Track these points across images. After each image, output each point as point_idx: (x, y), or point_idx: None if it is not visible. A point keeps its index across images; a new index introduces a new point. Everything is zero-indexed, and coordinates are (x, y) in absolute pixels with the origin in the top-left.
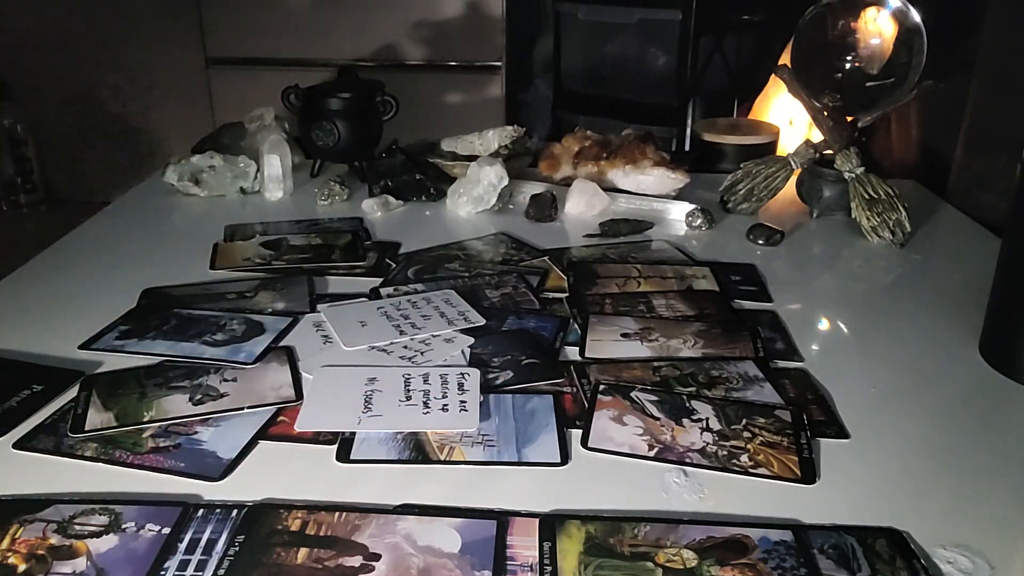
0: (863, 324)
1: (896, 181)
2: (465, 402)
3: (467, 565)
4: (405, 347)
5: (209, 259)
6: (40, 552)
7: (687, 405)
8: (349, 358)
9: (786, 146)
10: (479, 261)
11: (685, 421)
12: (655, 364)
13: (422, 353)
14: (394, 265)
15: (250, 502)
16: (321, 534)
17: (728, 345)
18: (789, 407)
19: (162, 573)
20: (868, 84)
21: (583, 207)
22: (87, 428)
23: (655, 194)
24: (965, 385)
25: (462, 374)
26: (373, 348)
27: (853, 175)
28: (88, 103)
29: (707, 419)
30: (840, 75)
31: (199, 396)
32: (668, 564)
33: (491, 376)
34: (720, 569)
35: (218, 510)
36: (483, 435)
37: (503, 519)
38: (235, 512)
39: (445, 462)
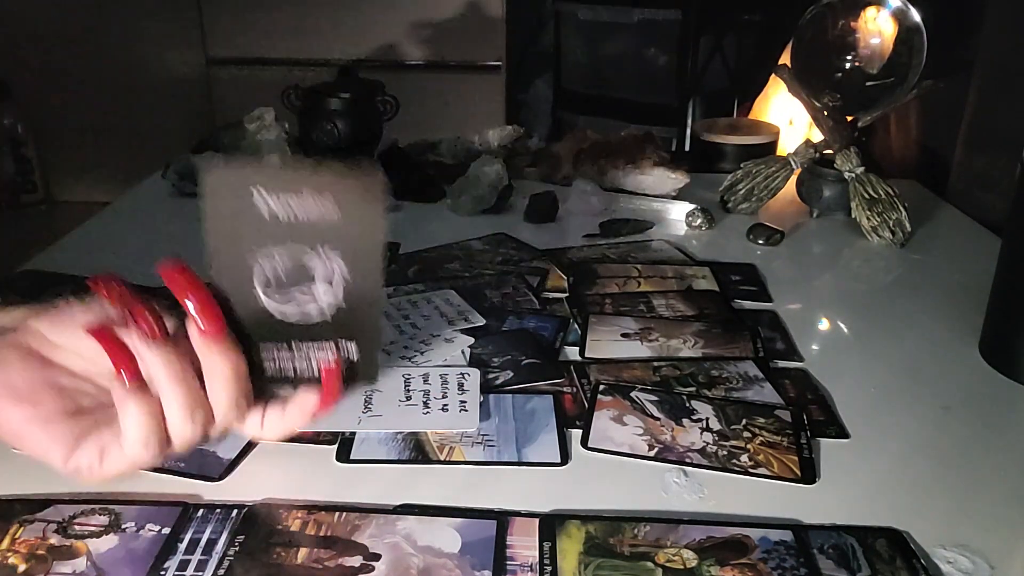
0: (863, 324)
1: (896, 181)
2: (465, 402)
3: (467, 565)
4: (405, 347)
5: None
6: (40, 552)
7: (687, 405)
8: None
9: (786, 146)
10: (479, 261)
11: (685, 421)
12: (655, 364)
13: (422, 353)
14: (394, 265)
15: (250, 502)
16: (321, 534)
17: (728, 345)
18: (789, 407)
19: (162, 573)
20: (868, 84)
21: (583, 207)
22: None
23: (655, 194)
24: (965, 385)
25: (462, 374)
26: None
27: (853, 175)
28: (88, 103)
29: (707, 419)
30: (840, 75)
31: None
32: (668, 564)
33: (491, 376)
34: (720, 569)
35: (218, 510)
36: (483, 435)
37: (503, 519)
38: (235, 512)
39: (445, 462)
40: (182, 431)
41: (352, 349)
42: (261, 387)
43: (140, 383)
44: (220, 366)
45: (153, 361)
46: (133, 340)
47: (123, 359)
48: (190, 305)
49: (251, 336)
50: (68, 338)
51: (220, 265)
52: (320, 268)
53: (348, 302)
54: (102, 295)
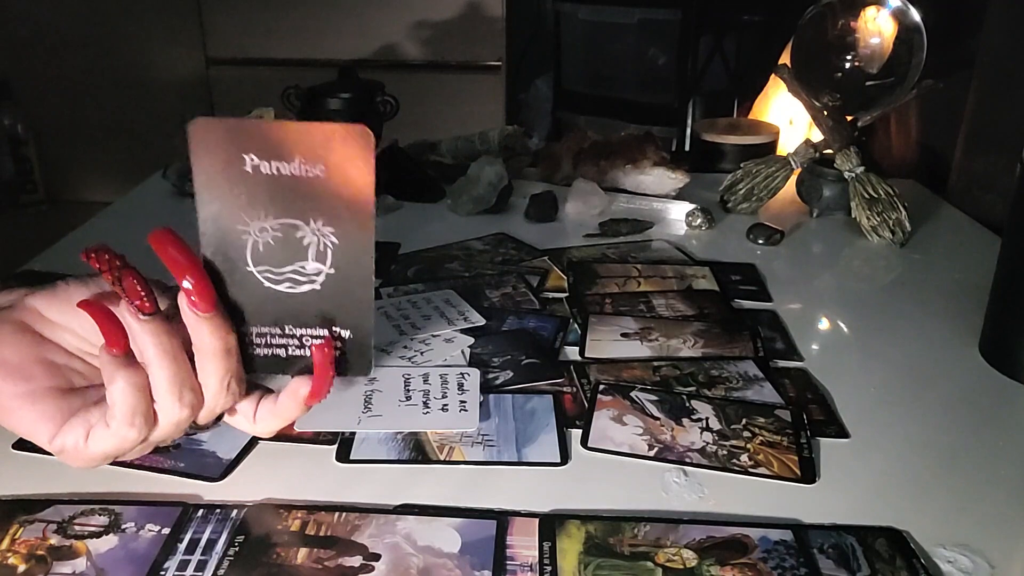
0: (863, 324)
1: (896, 181)
2: (465, 402)
3: (467, 565)
4: (405, 347)
5: None
6: (40, 552)
7: (687, 405)
8: None
9: (786, 146)
10: (479, 261)
11: (685, 421)
12: (655, 364)
13: (422, 353)
14: (394, 265)
15: (250, 502)
16: (321, 534)
17: (728, 345)
18: (789, 407)
19: (162, 573)
20: (868, 84)
21: (583, 207)
22: None
23: (655, 194)
24: (965, 385)
25: (462, 374)
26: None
27: (853, 175)
28: (88, 103)
29: (707, 419)
30: (840, 75)
31: None
32: (668, 564)
33: (491, 376)
34: (720, 569)
35: (218, 510)
36: (483, 435)
37: (503, 519)
38: (235, 512)
39: (445, 462)
40: (169, 410)
41: (344, 335)
42: (250, 367)
43: (128, 355)
44: (210, 341)
45: (142, 335)
46: (123, 313)
47: (112, 330)
48: (182, 278)
49: (244, 317)
50: (64, 315)
51: (212, 236)
52: (312, 245)
53: (339, 279)
54: (93, 265)
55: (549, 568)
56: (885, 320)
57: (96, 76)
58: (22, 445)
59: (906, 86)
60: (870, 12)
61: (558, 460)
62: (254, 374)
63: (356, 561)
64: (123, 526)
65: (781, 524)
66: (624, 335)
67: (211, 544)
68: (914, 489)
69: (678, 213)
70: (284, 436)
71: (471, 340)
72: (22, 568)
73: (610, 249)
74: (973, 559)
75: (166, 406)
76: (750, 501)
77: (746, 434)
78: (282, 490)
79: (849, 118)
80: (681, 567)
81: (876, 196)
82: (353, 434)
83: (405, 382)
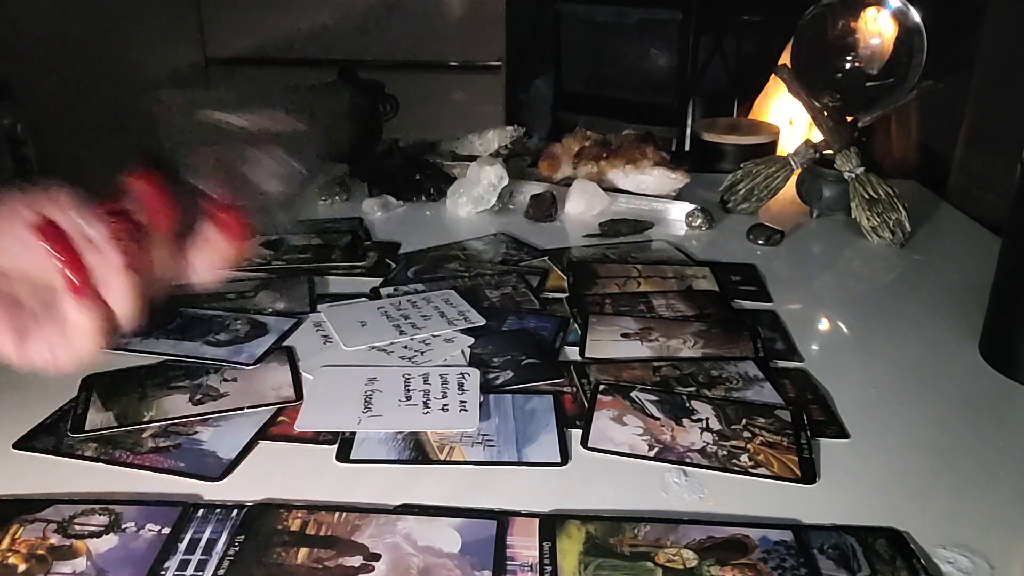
0: (863, 324)
1: (896, 181)
2: (465, 402)
3: (467, 565)
4: (405, 347)
5: None
6: (40, 552)
7: (687, 405)
8: (349, 358)
9: (786, 146)
10: (479, 261)
11: (685, 421)
12: (655, 364)
13: (422, 353)
14: (394, 265)
15: (250, 502)
16: (321, 534)
17: (728, 345)
18: (789, 407)
19: (162, 573)
20: (868, 84)
21: (583, 207)
22: (87, 428)
23: (655, 194)
24: (965, 385)
25: (462, 374)
26: (373, 348)
27: (853, 175)
28: (88, 103)
29: (707, 419)
30: (840, 75)
31: (199, 396)
32: (668, 564)
33: (491, 376)
34: (720, 569)
35: (218, 510)
36: (483, 435)
37: (503, 519)
38: (235, 512)
39: (445, 462)
40: (129, 317)
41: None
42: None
43: (91, 288)
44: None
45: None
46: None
47: (74, 264)
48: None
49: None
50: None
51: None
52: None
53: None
54: (139, 190)
55: (549, 568)
56: (885, 320)
57: (96, 76)
58: (22, 445)
59: (906, 87)
60: (870, 13)
61: (558, 460)
62: None
63: (356, 561)
64: (123, 526)
65: (781, 524)
66: (624, 335)
67: (211, 544)
68: (914, 489)
69: (678, 213)
70: (284, 436)
71: (471, 340)
72: (22, 568)
73: (610, 249)
74: (973, 559)
75: (126, 316)
76: (750, 501)
77: (746, 434)
78: (282, 490)
79: (849, 119)
80: (681, 567)
81: (876, 197)
82: (353, 434)
83: (405, 382)
